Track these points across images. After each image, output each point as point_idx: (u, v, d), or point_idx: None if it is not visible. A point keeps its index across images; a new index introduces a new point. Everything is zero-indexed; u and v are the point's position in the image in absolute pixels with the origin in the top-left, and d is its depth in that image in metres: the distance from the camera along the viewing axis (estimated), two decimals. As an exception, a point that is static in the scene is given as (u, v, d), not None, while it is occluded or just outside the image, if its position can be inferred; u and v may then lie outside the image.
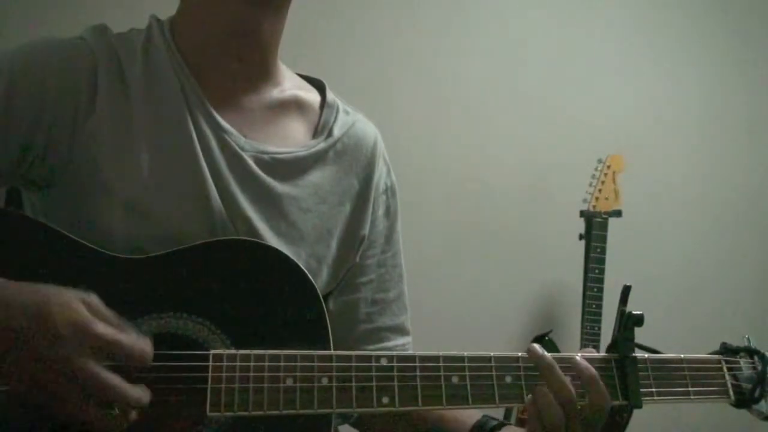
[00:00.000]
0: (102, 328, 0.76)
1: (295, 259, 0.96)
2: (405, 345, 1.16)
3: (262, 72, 1.07)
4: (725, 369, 0.99)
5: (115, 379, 0.76)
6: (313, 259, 1.04)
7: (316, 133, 1.10)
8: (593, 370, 0.92)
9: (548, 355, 0.92)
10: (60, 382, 0.74)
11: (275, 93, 1.09)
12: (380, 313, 1.14)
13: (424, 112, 2.54)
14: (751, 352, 0.99)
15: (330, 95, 1.14)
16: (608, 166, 2.40)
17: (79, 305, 0.76)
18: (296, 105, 1.10)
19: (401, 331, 1.16)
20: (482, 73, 2.63)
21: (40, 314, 0.74)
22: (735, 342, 1.04)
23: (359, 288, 1.13)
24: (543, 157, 2.67)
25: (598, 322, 2.22)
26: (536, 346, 0.92)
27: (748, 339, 1.02)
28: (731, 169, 2.94)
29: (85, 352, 0.75)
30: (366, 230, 1.12)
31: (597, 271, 2.27)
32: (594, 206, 2.36)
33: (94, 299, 0.79)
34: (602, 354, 0.97)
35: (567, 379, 0.90)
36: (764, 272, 2.93)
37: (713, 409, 1.03)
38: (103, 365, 0.76)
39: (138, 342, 0.79)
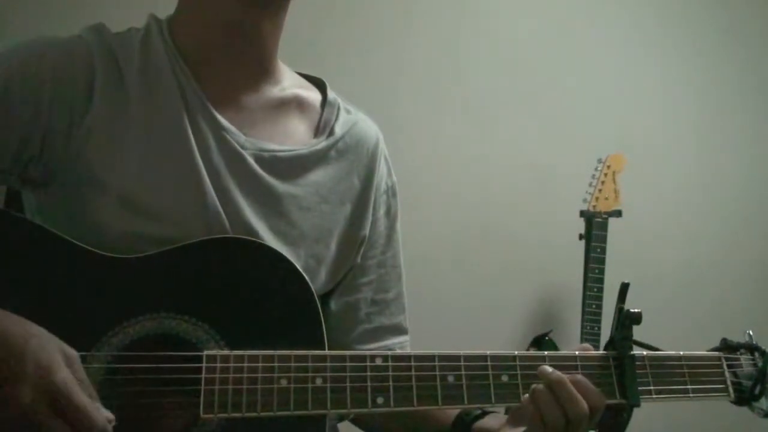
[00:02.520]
0: (65, 380, 0.74)
1: (294, 259, 0.96)
2: (403, 343, 1.15)
3: (262, 70, 1.07)
4: (725, 366, 0.98)
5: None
6: (312, 258, 1.04)
7: (317, 132, 1.09)
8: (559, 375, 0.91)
9: (556, 372, 0.91)
10: (10, 417, 0.73)
11: (275, 91, 1.08)
12: (379, 313, 1.13)
13: (424, 112, 2.54)
14: (751, 348, 0.98)
15: (331, 94, 1.14)
16: (608, 166, 2.39)
17: (56, 353, 0.75)
18: (297, 103, 1.10)
19: (399, 330, 1.16)
20: (482, 73, 2.63)
21: (14, 347, 0.74)
22: (736, 339, 1.02)
23: (360, 288, 1.12)
24: (543, 157, 2.67)
25: (598, 322, 2.21)
26: (544, 367, 0.92)
27: (750, 335, 1.01)
28: (731, 169, 2.93)
29: (39, 395, 0.73)
30: (366, 231, 1.11)
31: (597, 271, 2.26)
32: (594, 206, 2.35)
33: (74, 356, 0.78)
34: (600, 352, 0.96)
35: (579, 396, 0.89)
36: (764, 272, 2.92)
37: (714, 408, 1.01)
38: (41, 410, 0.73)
39: (95, 408, 0.76)
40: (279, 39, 1.07)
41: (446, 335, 2.13)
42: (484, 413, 1.02)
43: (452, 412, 1.04)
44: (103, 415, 0.76)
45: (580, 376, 0.91)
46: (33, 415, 0.72)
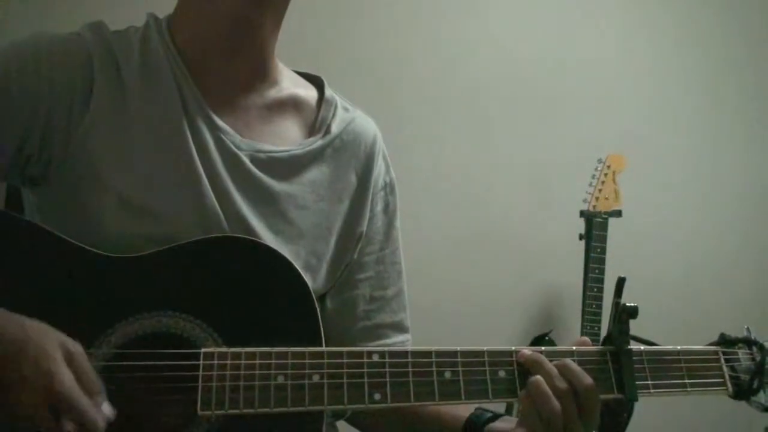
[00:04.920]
0: (65, 384, 0.74)
1: (294, 257, 0.96)
2: (404, 342, 1.15)
3: (260, 71, 1.07)
4: (723, 360, 0.97)
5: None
6: (313, 256, 1.04)
7: (313, 130, 1.10)
8: (536, 356, 0.91)
9: (534, 352, 0.92)
10: (13, 422, 0.74)
11: (273, 92, 1.08)
12: (379, 310, 1.13)
13: (425, 113, 2.54)
14: (749, 342, 0.98)
15: (328, 91, 1.14)
16: (608, 166, 2.40)
17: (56, 352, 0.75)
18: (293, 103, 1.10)
19: (400, 328, 1.15)
20: (482, 73, 2.63)
21: (12, 353, 0.74)
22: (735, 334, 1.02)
23: (357, 285, 1.12)
24: (543, 157, 2.67)
25: (598, 322, 2.21)
26: (524, 350, 0.92)
27: (748, 329, 1.00)
28: (731, 169, 2.93)
29: (40, 400, 0.73)
30: (364, 227, 1.11)
31: (597, 271, 2.26)
32: (594, 206, 2.35)
33: (78, 349, 0.77)
34: (597, 347, 0.96)
35: (556, 371, 0.89)
36: (764, 272, 2.91)
37: (715, 404, 1.01)
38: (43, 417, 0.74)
39: (96, 412, 0.76)
40: (277, 39, 1.07)
41: (446, 335, 2.14)
42: (495, 416, 1.02)
43: (462, 414, 1.04)
44: (104, 415, 0.76)
45: (567, 360, 0.92)
46: (35, 421, 0.73)
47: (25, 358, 0.73)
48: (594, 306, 2.23)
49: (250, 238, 0.96)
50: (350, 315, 1.11)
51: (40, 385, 0.73)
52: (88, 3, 2.03)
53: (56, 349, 0.75)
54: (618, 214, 2.35)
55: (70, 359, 0.76)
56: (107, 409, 0.77)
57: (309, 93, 1.13)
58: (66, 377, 0.74)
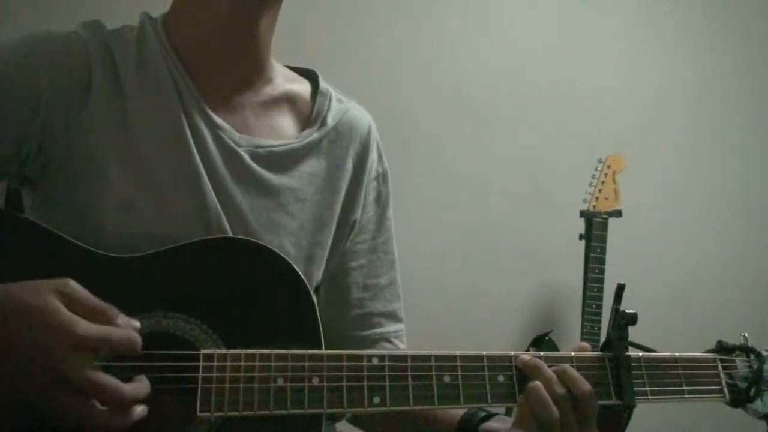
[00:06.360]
0: (84, 329, 0.74)
1: (298, 250, 0.97)
2: (397, 332, 1.16)
3: (256, 69, 1.07)
4: (720, 368, 0.98)
5: (109, 381, 0.75)
6: (315, 248, 1.05)
7: (309, 123, 1.10)
8: (535, 361, 0.92)
9: (533, 358, 0.92)
10: (54, 394, 0.73)
11: (268, 89, 1.09)
12: (372, 298, 1.14)
13: (424, 113, 2.54)
14: (746, 350, 0.98)
15: (323, 84, 1.14)
16: (608, 166, 2.39)
17: (56, 304, 0.74)
18: (288, 99, 1.11)
19: (394, 317, 1.16)
20: (482, 72, 2.63)
21: (22, 325, 0.72)
22: (732, 340, 1.03)
23: (350, 273, 1.13)
24: (543, 157, 2.67)
25: (598, 322, 2.21)
26: (523, 355, 0.93)
27: (745, 337, 1.01)
28: (731, 169, 2.93)
29: (72, 358, 0.73)
30: (357, 215, 1.12)
31: (597, 271, 2.26)
32: (594, 206, 2.35)
33: (71, 287, 0.76)
34: (596, 353, 0.96)
35: (555, 377, 0.90)
36: (763, 272, 2.91)
37: (714, 406, 1.02)
38: (93, 366, 0.74)
39: (123, 331, 0.77)
40: (272, 36, 1.07)
41: (446, 335, 2.14)
42: (490, 415, 1.02)
43: (456, 414, 1.04)
44: (134, 328, 0.78)
45: (566, 366, 0.92)
46: (51, 400, 0.72)
47: (35, 327, 0.72)
48: (594, 306, 2.23)
49: (250, 239, 0.96)
50: (344, 303, 1.12)
51: (64, 339, 0.72)
52: (87, 2, 2.03)
53: (54, 300, 0.74)
54: (618, 214, 2.35)
55: (67, 301, 0.75)
56: (131, 322, 0.79)
57: (303, 87, 1.14)
58: (78, 321, 0.74)
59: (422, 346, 0.92)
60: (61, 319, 0.73)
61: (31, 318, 0.73)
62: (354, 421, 1.14)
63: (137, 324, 0.80)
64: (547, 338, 2.40)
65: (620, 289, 0.94)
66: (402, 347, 1.15)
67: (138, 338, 0.78)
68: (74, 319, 0.74)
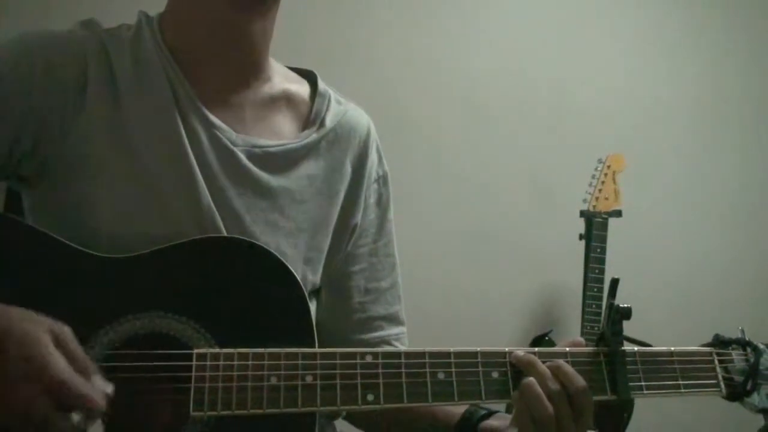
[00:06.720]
0: (60, 368, 0.71)
1: (294, 252, 0.97)
2: (399, 335, 1.15)
3: (253, 69, 1.07)
4: (716, 361, 0.97)
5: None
6: (312, 250, 1.04)
7: (307, 124, 1.10)
8: (529, 357, 0.91)
9: (527, 353, 0.92)
10: (14, 417, 0.70)
11: (266, 89, 1.08)
12: (373, 302, 1.13)
13: (424, 113, 2.54)
14: (743, 343, 0.97)
15: (321, 85, 1.14)
16: (608, 166, 2.39)
17: (44, 336, 0.72)
18: (286, 99, 1.10)
19: (395, 320, 1.15)
20: (482, 72, 2.63)
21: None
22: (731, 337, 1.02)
23: (351, 276, 1.12)
24: (543, 157, 2.67)
25: (598, 322, 2.21)
26: (517, 351, 0.92)
27: (742, 330, 1.00)
28: (731, 169, 2.92)
29: (35, 390, 0.70)
30: (358, 218, 1.11)
31: (597, 271, 2.26)
32: (594, 206, 2.35)
33: (65, 331, 0.74)
34: (590, 348, 0.95)
35: (549, 372, 0.89)
36: (763, 272, 2.90)
37: (714, 402, 1.01)
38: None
39: (93, 390, 0.73)
40: (270, 37, 1.07)
41: (446, 335, 2.13)
42: (490, 413, 1.02)
43: (456, 411, 1.03)
44: (104, 392, 0.74)
45: (560, 361, 0.92)
46: (35, 411, 0.70)
47: (12, 343, 0.70)
48: (594, 306, 2.22)
49: (243, 238, 0.95)
50: (345, 307, 1.12)
51: (33, 374, 0.70)
52: (87, 2, 2.04)
53: (44, 333, 0.72)
54: (618, 214, 2.34)
55: (57, 342, 0.73)
56: (106, 386, 0.75)
57: (302, 88, 1.13)
58: (60, 361, 0.71)
59: (422, 346, 0.92)
60: (39, 353, 0.71)
61: (11, 344, 0.71)
62: (351, 419, 1.14)
63: (109, 389, 0.75)
64: (547, 338, 2.40)
65: (614, 284, 0.93)
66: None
67: (103, 406, 0.73)
68: (51, 356, 0.71)
